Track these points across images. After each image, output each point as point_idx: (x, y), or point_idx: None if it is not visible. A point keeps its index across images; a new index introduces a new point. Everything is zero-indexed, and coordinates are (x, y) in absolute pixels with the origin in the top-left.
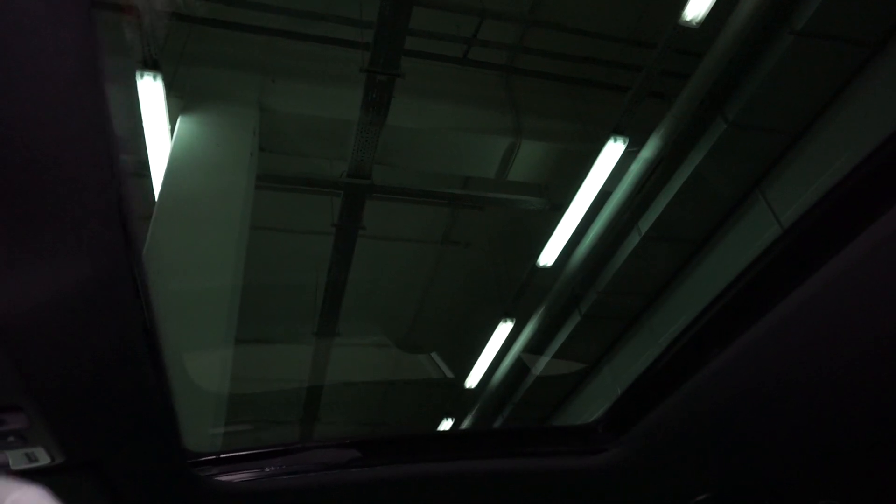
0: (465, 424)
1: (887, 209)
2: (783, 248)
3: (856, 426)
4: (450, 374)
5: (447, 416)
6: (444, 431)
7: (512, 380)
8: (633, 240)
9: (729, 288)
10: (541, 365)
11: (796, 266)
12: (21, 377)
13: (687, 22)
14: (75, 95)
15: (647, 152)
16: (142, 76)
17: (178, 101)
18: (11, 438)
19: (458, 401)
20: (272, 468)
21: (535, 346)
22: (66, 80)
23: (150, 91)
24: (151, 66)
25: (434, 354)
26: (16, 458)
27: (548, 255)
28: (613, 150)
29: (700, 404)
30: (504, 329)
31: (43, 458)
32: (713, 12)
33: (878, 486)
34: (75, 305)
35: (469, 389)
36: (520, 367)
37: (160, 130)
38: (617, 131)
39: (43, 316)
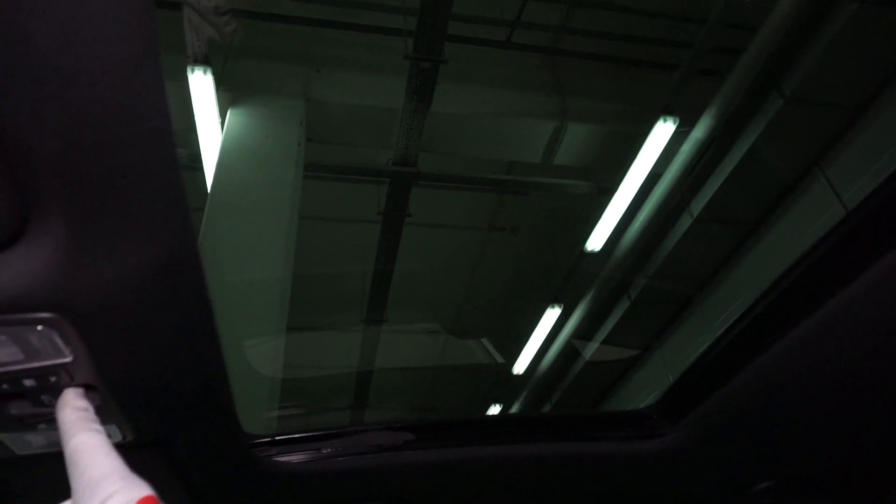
0: (513, 410)
1: None
2: (848, 230)
3: None
4: (497, 361)
5: (494, 401)
6: (497, 416)
7: (560, 366)
8: (685, 223)
9: (790, 271)
10: (590, 351)
11: (864, 248)
12: (94, 357)
13: None
14: (138, 79)
15: (699, 132)
16: (192, 71)
17: (228, 95)
18: None
19: (505, 387)
20: (327, 450)
21: (584, 332)
22: (130, 64)
23: (201, 85)
24: (202, 60)
25: (481, 340)
26: None
27: (596, 240)
28: (663, 131)
29: (760, 390)
30: (552, 315)
31: (115, 436)
32: None
33: None
34: (143, 289)
35: (517, 375)
36: (568, 353)
37: (211, 124)
38: (666, 111)
39: (114, 299)
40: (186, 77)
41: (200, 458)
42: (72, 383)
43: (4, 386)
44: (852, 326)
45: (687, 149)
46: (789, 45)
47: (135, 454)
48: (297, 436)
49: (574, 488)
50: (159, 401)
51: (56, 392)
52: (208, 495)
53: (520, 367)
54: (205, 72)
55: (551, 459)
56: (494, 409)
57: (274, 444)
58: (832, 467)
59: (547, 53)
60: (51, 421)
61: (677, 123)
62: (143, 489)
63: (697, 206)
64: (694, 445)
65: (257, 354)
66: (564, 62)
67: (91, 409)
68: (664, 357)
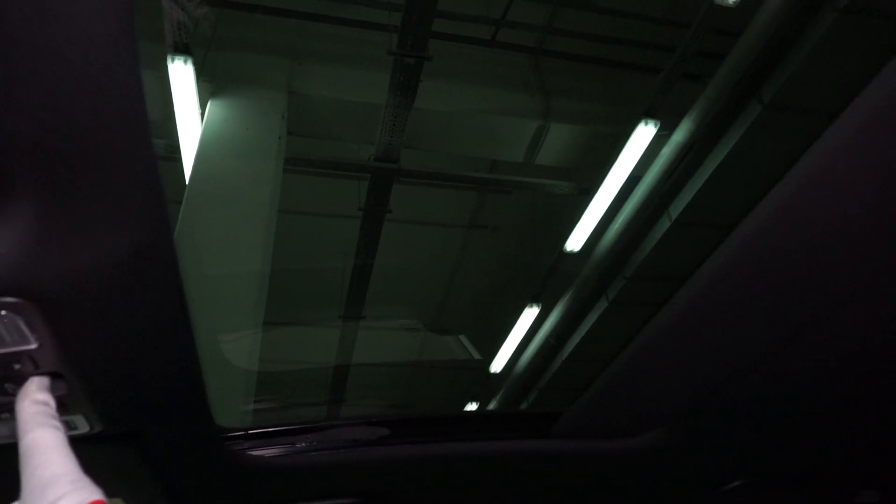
0: (491, 407)
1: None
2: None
3: None
4: (475, 358)
5: (472, 399)
6: (474, 412)
7: (538, 365)
8: (664, 225)
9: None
10: (567, 350)
11: None
12: (62, 345)
13: (724, 0)
14: (113, 59)
15: (679, 136)
16: (172, 61)
17: (208, 86)
18: None
19: (483, 385)
20: (302, 444)
21: (562, 332)
22: (105, 43)
23: (181, 76)
24: (182, 50)
25: (460, 338)
26: None
27: (575, 240)
28: (644, 134)
29: (732, 391)
30: (530, 314)
31: (82, 427)
32: None
33: None
34: (116, 276)
35: (494, 374)
36: (546, 352)
37: (191, 115)
38: (648, 114)
39: (84, 285)
40: (166, 67)
41: (172, 451)
42: (37, 371)
43: None
44: (824, 330)
45: (667, 152)
46: (771, 53)
47: (104, 446)
48: (271, 429)
49: (549, 485)
50: (129, 391)
51: (20, 380)
52: (181, 489)
53: (497, 365)
54: (185, 62)
55: (530, 456)
56: (471, 407)
57: (248, 437)
58: (802, 467)
59: (531, 53)
60: (14, 411)
61: (658, 126)
62: (93, 493)
63: (676, 208)
64: (667, 444)
65: (233, 347)
66: (549, 62)
67: (52, 403)
68: None
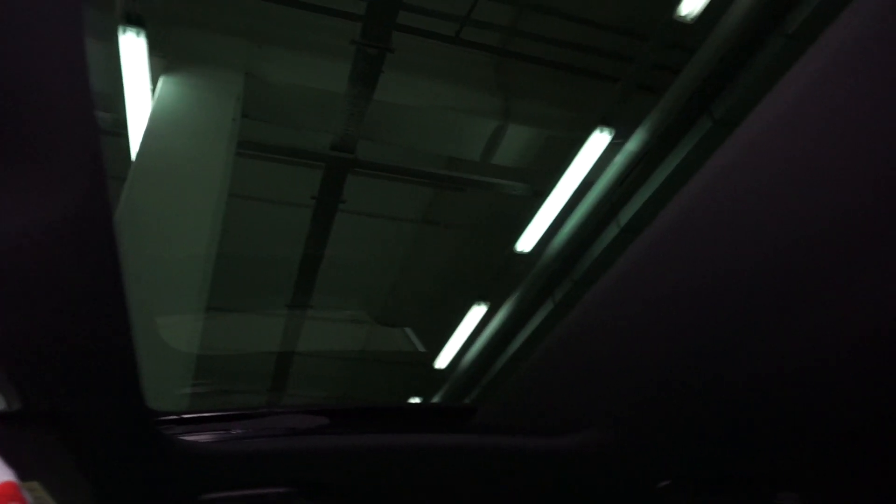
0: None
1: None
2: None
3: (817, 421)
4: (420, 353)
5: (415, 394)
6: (419, 404)
7: (483, 363)
8: (612, 231)
9: None
10: (512, 349)
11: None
12: None
13: (682, 17)
14: (57, 21)
15: (633, 145)
16: (124, 31)
17: (162, 61)
18: None
19: (427, 380)
20: (238, 431)
21: (508, 331)
22: (50, 3)
23: (133, 48)
24: (135, 21)
25: (405, 332)
26: None
27: (526, 242)
28: (599, 141)
29: (663, 394)
30: (478, 312)
31: None
32: (708, 9)
33: (839, 480)
34: (46, 245)
35: (438, 370)
36: (491, 351)
37: (141, 90)
38: (604, 122)
39: (8, 251)
40: (117, 37)
41: (98, 433)
42: None
43: None
44: (750, 339)
45: (620, 160)
46: (723, 71)
47: (21, 425)
48: (206, 415)
49: (475, 479)
50: (52, 368)
51: None
52: (106, 473)
53: (442, 361)
54: (137, 34)
55: (470, 452)
56: (415, 401)
57: (181, 422)
58: (726, 469)
59: (494, 53)
60: None
61: (613, 134)
62: (3, 475)
63: (625, 216)
64: (600, 443)
65: (172, 329)
66: (511, 64)
67: None
68: None
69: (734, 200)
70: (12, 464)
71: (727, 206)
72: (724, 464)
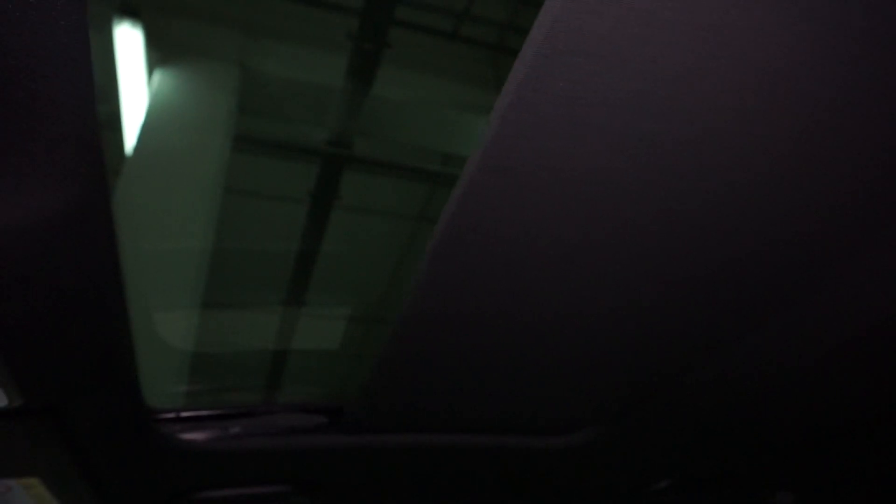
0: None
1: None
2: None
3: (814, 422)
4: None
5: None
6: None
7: None
8: None
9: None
10: None
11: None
12: None
13: None
14: (54, 9)
15: None
16: (120, 23)
17: (157, 54)
18: None
19: None
20: (236, 429)
21: None
22: None
23: (128, 40)
24: (131, 13)
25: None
26: None
27: None
28: None
29: (663, 395)
30: None
31: (1, 400)
32: None
33: (834, 481)
34: (44, 237)
35: None
36: None
37: (137, 83)
38: None
39: (7, 243)
40: (112, 29)
41: (96, 430)
42: None
43: None
44: (747, 340)
45: None
46: None
47: (24, 420)
48: (204, 413)
49: (483, 478)
50: (53, 364)
51: None
52: (104, 470)
53: None
54: (133, 25)
55: (472, 450)
56: None
57: (179, 420)
58: (725, 469)
59: (491, 50)
60: None
61: None
62: None
63: None
64: (600, 443)
65: (169, 325)
66: (509, 61)
67: None
68: None
69: (730, 194)
70: (10, 460)
71: (721, 200)
72: (723, 465)
